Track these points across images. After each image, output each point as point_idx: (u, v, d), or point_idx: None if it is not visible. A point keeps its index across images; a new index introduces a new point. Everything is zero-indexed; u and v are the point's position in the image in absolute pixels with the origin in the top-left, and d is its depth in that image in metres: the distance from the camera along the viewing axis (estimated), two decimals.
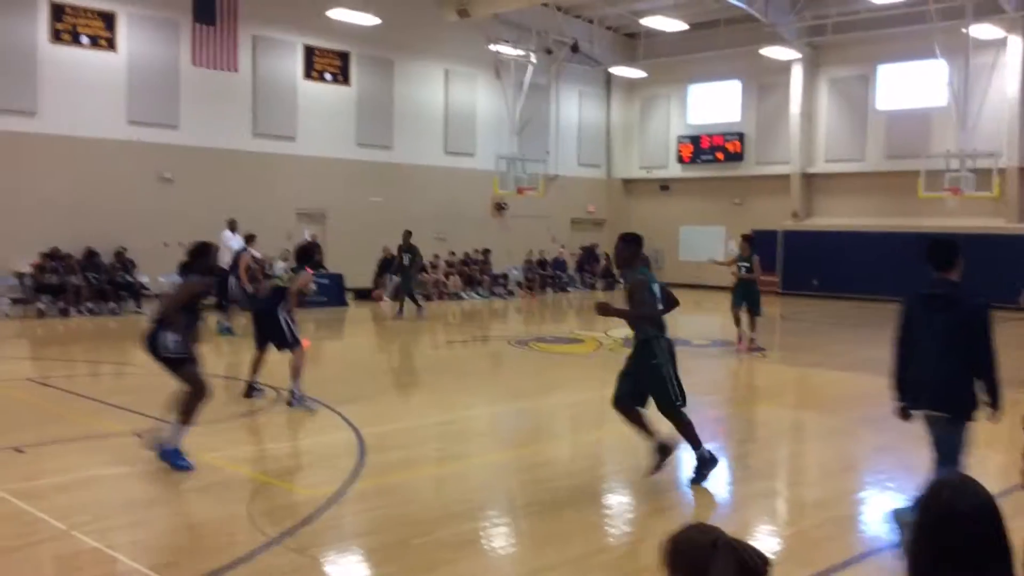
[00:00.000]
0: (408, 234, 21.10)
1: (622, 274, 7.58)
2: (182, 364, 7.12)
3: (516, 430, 9.52)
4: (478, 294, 26.11)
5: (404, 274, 20.99)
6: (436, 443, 8.60)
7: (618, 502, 6.90)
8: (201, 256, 7.55)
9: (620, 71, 30.65)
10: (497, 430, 9.24)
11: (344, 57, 25.40)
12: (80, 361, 13.44)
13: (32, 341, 16.31)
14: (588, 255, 31.02)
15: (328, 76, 25.11)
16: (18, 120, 19.87)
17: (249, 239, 17.69)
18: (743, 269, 15.16)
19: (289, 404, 9.66)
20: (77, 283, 18.96)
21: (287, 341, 9.86)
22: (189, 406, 7.07)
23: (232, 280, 17.15)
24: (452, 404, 10.60)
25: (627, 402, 6.96)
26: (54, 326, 17.66)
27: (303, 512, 6.14)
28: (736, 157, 30.42)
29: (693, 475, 6.98)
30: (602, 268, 30.28)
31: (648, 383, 6.89)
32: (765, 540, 5.85)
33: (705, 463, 6.96)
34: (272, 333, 9.88)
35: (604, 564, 5.51)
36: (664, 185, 32.63)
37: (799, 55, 27.81)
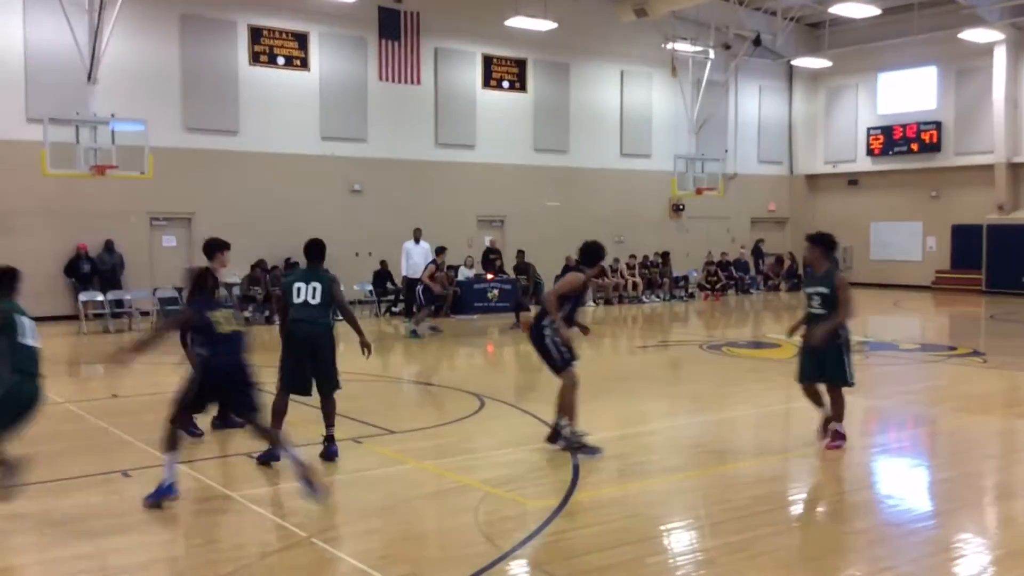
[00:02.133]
0: (521, 253, 21.56)
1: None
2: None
3: (734, 440, 9.13)
4: (658, 297, 25.66)
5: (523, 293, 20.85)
6: (648, 454, 8.36)
7: (867, 522, 6.44)
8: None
9: (803, 62, 29.39)
10: (711, 440, 8.88)
11: (521, 64, 25.60)
12: None
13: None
14: (757, 254, 29.86)
15: (505, 84, 25.37)
16: (222, 139, 21.16)
17: (439, 251, 18.25)
18: (815, 300, 8.01)
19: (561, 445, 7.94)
20: (279, 293, 19.91)
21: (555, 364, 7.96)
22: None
23: (419, 288, 17.71)
24: (656, 413, 10.33)
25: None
26: (260, 333, 18.60)
27: (530, 525, 6.05)
28: (932, 148, 28.54)
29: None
30: (786, 269, 29.08)
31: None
32: None
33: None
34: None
35: None
36: (852, 180, 31.04)
37: (1002, 36, 25.80)
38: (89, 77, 17.71)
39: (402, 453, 8.11)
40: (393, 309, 21.54)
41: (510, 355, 15.53)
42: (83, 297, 18.80)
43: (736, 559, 5.55)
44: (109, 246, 19.82)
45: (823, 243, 8.07)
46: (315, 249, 8.03)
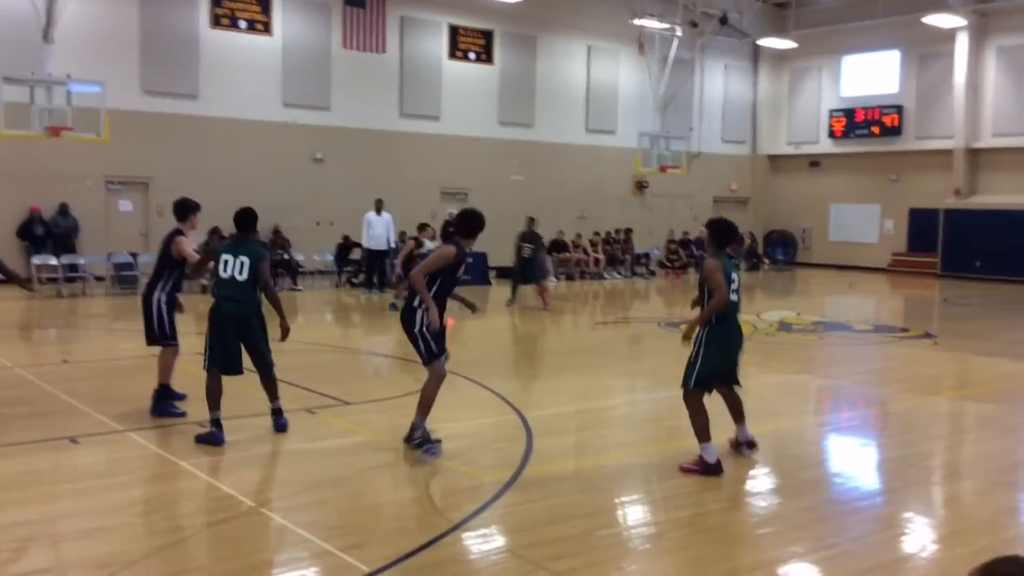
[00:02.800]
0: (531, 221, 18.96)
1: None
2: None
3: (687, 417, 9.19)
4: (620, 274, 25.75)
5: (528, 265, 18.07)
6: (603, 429, 8.41)
7: (813, 499, 6.52)
8: None
9: (769, 43, 29.49)
10: (666, 416, 8.94)
11: (488, 36, 25.39)
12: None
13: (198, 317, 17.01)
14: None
15: (472, 55, 25.16)
16: (181, 103, 20.76)
17: (422, 228, 17.20)
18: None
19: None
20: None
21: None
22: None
23: (388, 263, 17.51)
24: (613, 388, 10.38)
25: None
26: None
27: (481, 497, 6.05)
28: (893, 131, 28.86)
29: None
30: (746, 248, 29.32)
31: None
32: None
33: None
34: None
35: (828, 560, 5.20)
36: (814, 161, 31.32)
37: (965, 22, 26.08)
38: (45, 36, 17.30)
39: (356, 424, 8.08)
40: (354, 280, 21.40)
41: (471, 329, 15.50)
42: (36, 260, 18.45)
43: (684, 533, 5.62)
44: (63, 209, 19.41)
45: (712, 229, 7.01)
46: (245, 218, 7.52)
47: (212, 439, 7.12)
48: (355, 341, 14.18)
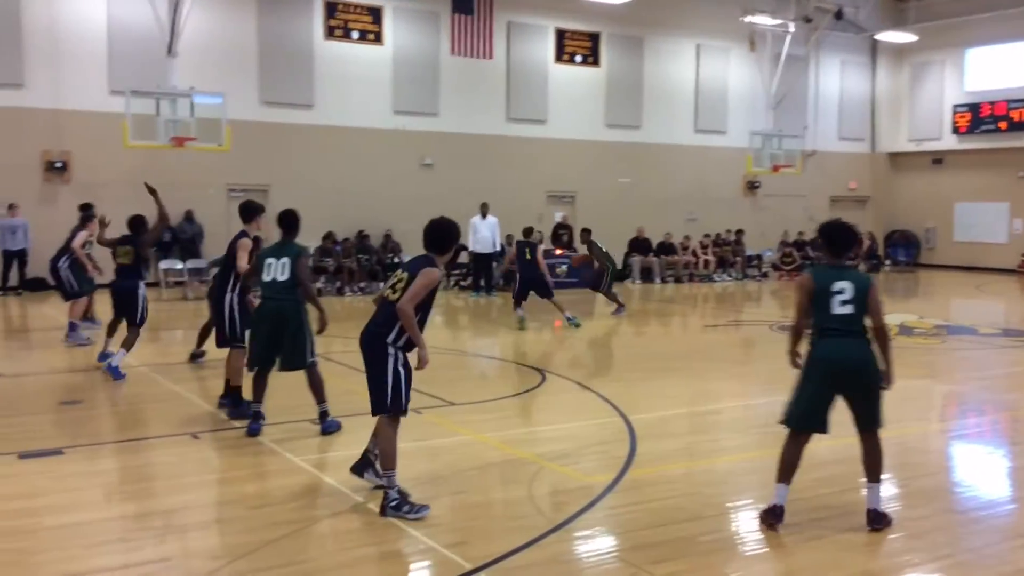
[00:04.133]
0: (585, 232, 17.45)
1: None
2: None
3: None
4: (730, 276, 25.26)
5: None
6: (710, 433, 8.28)
7: (932, 508, 6.25)
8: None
9: (888, 37, 28.40)
10: (775, 423, 8.71)
11: (594, 38, 25.32)
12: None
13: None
14: None
15: (578, 58, 25.14)
16: (297, 112, 21.48)
17: (527, 232, 17.01)
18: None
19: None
20: (350, 265, 20.24)
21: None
22: None
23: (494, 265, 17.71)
24: (721, 392, 10.17)
25: None
26: (331, 304, 18.92)
27: (584, 499, 6.04)
28: (1021, 126, 27.35)
29: None
30: (866, 249, 28.28)
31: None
32: None
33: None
34: None
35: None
36: (937, 158, 29.99)
37: None
38: (169, 50, 18.10)
39: (461, 425, 8.17)
40: (462, 283, 21.68)
41: (578, 332, 15.47)
42: (164, 265, 19.38)
43: (791, 541, 5.46)
44: (189, 216, 20.34)
45: (822, 235, 5.89)
46: (289, 220, 7.60)
47: (251, 431, 7.49)
48: (462, 343, 14.35)
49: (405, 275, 5.82)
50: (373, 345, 5.76)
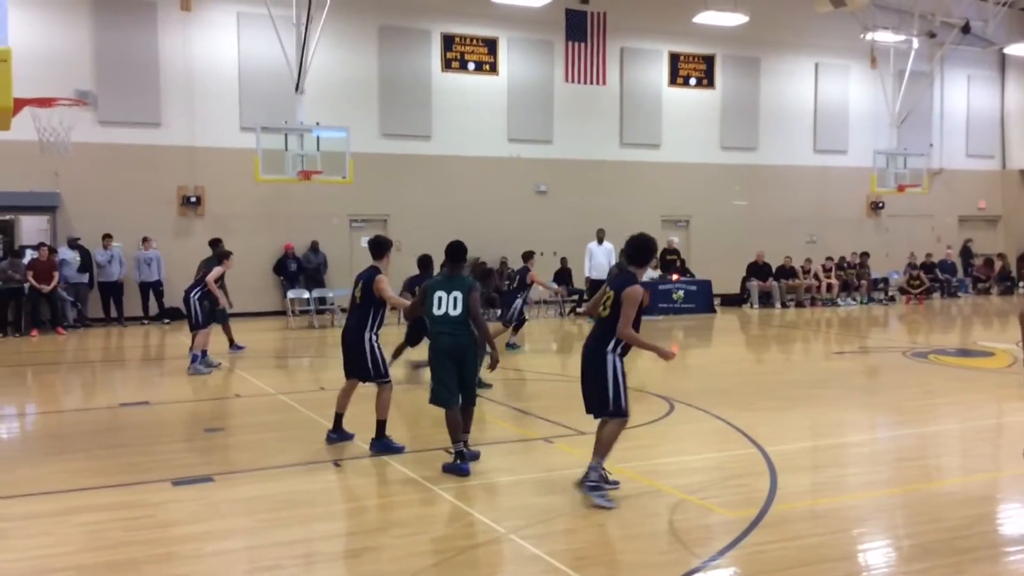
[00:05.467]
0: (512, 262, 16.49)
1: None
2: None
3: (940, 455, 8.61)
4: (854, 300, 24.49)
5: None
6: (847, 467, 8.01)
7: None
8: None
9: (1018, 50, 27.21)
10: (915, 456, 8.40)
11: (709, 60, 25.13)
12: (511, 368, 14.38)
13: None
14: (966, 255, 27.92)
15: (692, 81, 24.99)
16: (416, 143, 22.04)
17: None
18: None
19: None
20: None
21: None
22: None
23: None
24: (853, 423, 9.87)
25: None
26: None
27: (727, 534, 5.94)
28: None
29: None
30: (998, 271, 27.02)
31: None
32: None
33: None
34: None
35: None
36: None
37: None
38: (297, 88, 18.82)
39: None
40: (577, 309, 21.68)
41: (696, 358, 15.25)
42: (290, 294, 20.09)
43: None
44: (314, 246, 21.06)
45: None
46: (455, 251, 7.55)
47: (458, 470, 7.33)
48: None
49: (612, 292, 6.55)
50: (596, 354, 6.58)
